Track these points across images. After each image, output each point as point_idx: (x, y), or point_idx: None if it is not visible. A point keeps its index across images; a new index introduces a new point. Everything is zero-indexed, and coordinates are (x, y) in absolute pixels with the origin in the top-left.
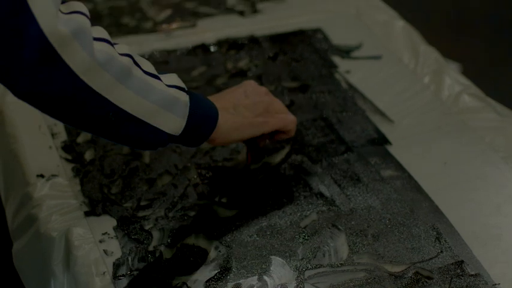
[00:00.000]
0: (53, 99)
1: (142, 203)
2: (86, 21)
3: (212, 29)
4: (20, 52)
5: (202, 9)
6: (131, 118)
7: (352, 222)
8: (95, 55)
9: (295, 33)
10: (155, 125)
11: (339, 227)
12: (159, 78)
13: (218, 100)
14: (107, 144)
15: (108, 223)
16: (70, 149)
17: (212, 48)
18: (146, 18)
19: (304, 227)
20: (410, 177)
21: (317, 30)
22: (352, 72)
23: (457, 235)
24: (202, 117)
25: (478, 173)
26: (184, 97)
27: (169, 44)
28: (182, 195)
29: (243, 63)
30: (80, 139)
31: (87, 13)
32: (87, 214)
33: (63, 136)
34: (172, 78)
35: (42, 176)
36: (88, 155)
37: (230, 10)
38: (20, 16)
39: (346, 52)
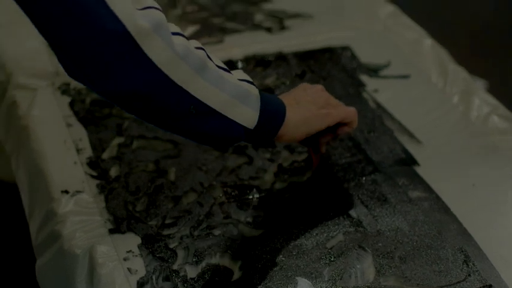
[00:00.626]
0: (135, 95)
1: (168, 221)
2: (162, 16)
3: (239, 45)
4: (103, 49)
5: (229, 25)
6: (210, 111)
7: (379, 244)
8: (175, 48)
9: (323, 51)
10: (232, 118)
11: (366, 248)
12: (230, 72)
13: (281, 98)
14: (132, 161)
15: (132, 241)
16: (95, 165)
17: (239, 65)
18: None
19: (331, 248)
20: (438, 198)
21: (345, 48)
22: (380, 91)
23: (485, 258)
24: (272, 112)
25: (507, 195)
26: (255, 91)
27: None
28: (208, 214)
29: (269, 81)
30: (105, 155)
31: (160, 8)
32: (111, 231)
33: (88, 152)
34: (241, 74)
35: (66, 192)
36: (113, 172)
37: (257, 26)
38: (99, 13)
39: (374, 71)
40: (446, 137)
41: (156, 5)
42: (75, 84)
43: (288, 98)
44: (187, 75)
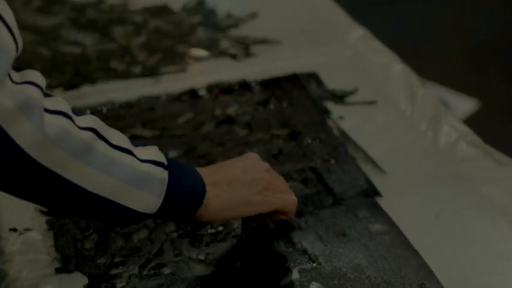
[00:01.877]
0: (3, 174)
1: (116, 260)
2: (37, 93)
3: (203, 73)
4: None
5: (193, 52)
6: (92, 196)
7: (335, 281)
8: (45, 130)
9: (288, 78)
10: (123, 204)
11: (322, 286)
12: (131, 153)
13: (212, 174)
14: None
15: (79, 281)
16: None
17: (201, 94)
18: (136, 63)
19: (284, 286)
20: (399, 232)
21: (311, 75)
22: (345, 118)
23: None
24: (184, 194)
25: (472, 227)
26: (161, 173)
27: (157, 89)
28: (158, 252)
29: (232, 110)
30: None
31: (42, 83)
32: (58, 271)
33: None
34: (150, 152)
35: (15, 230)
36: None
37: (223, 53)
38: None
39: (340, 97)
40: (412, 165)
41: (37, 80)
42: None
43: (218, 175)
44: (60, 158)
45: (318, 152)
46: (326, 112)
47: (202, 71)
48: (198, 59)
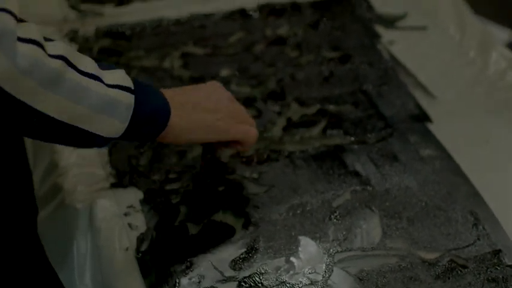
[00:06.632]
0: None
1: (171, 176)
2: (10, 21)
3: None
4: None
5: None
6: (60, 124)
7: (387, 204)
8: (17, 61)
9: (338, 0)
10: (89, 130)
11: (373, 208)
12: (99, 79)
13: (177, 96)
14: None
15: (134, 196)
16: None
17: (251, 14)
18: None
19: (337, 207)
20: (450, 157)
21: None
22: (395, 43)
23: (496, 222)
24: (149, 117)
25: None
26: (128, 99)
27: (206, 8)
28: None
29: (282, 31)
30: None
31: (14, 10)
32: (113, 186)
33: None
34: (117, 76)
35: None
36: None
37: None
38: None
39: (390, 22)
40: (462, 91)
41: (9, 8)
42: (83, 31)
43: (184, 97)
44: (30, 89)
45: (369, 75)
46: (376, 36)
47: None
48: None
